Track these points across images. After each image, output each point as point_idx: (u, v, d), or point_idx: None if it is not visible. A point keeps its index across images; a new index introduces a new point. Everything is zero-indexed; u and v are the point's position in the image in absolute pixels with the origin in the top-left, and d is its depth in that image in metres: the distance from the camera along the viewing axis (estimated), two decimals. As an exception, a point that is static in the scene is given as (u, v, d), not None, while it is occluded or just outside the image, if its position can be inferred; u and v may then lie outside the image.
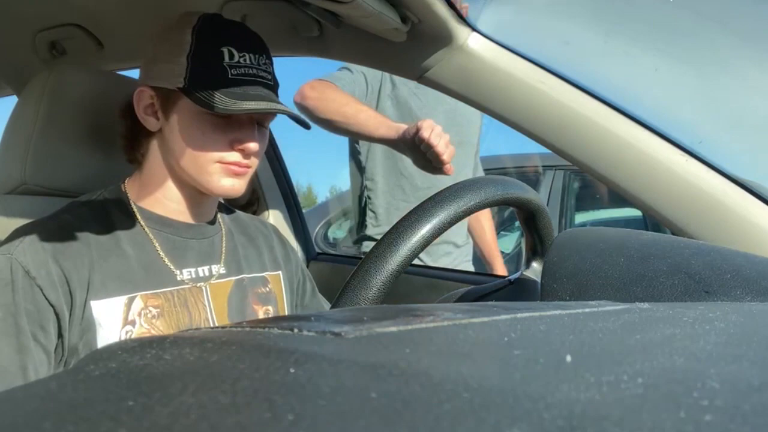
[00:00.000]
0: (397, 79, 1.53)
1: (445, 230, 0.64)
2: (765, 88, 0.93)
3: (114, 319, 0.79)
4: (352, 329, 0.25)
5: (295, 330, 0.26)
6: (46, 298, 0.76)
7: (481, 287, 0.92)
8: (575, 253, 0.53)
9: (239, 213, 1.05)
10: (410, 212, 0.63)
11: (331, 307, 0.63)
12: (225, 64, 0.80)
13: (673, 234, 0.86)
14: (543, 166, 2.85)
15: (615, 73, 1.01)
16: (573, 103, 0.89)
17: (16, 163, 0.90)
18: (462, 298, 0.92)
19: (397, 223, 0.62)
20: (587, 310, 0.34)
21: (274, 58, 0.88)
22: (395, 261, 0.59)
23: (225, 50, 0.80)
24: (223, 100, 0.78)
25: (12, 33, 1.21)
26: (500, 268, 1.79)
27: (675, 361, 0.22)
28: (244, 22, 1.02)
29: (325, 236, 3.08)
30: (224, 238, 0.95)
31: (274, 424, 0.15)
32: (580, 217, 2.95)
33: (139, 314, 0.81)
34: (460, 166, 1.57)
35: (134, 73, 1.26)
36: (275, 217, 1.51)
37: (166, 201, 0.88)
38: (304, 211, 1.73)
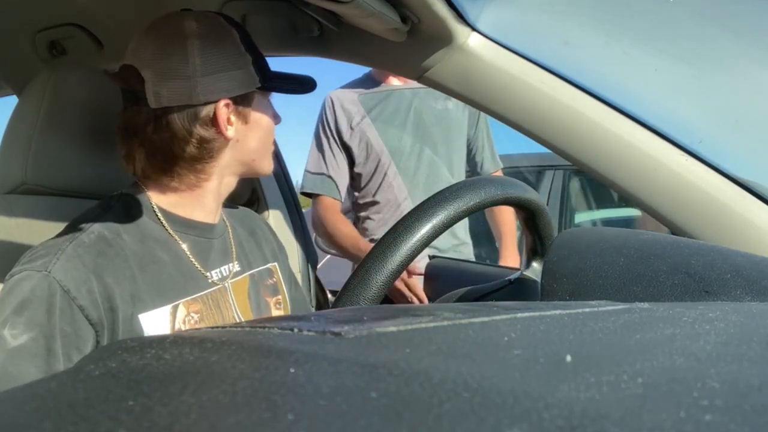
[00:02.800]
0: (353, 114, 1.62)
1: (446, 230, 0.64)
2: (765, 88, 0.93)
3: (162, 330, 0.78)
4: (352, 329, 0.25)
5: (295, 330, 0.26)
6: (87, 318, 0.73)
7: (481, 287, 0.92)
8: (575, 253, 0.53)
9: (230, 206, 1.05)
10: (410, 212, 0.63)
11: (331, 307, 0.63)
12: (262, 55, 0.88)
13: (673, 234, 0.86)
14: (543, 166, 2.85)
15: (615, 72, 1.01)
16: (573, 103, 0.89)
17: (17, 163, 0.90)
18: (462, 298, 0.93)
19: (397, 222, 0.62)
20: (587, 310, 0.34)
21: (274, 58, 0.90)
22: (395, 261, 0.59)
23: (254, 42, 0.88)
24: (288, 83, 0.90)
25: (12, 33, 1.21)
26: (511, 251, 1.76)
27: (675, 360, 0.22)
28: (244, 22, 1.02)
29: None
30: (231, 234, 0.95)
31: (274, 424, 0.15)
32: (580, 217, 2.95)
33: (184, 321, 0.81)
34: (434, 172, 1.63)
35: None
36: (275, 217, 1.51)
37: (194, 203, 0.86)
38: (303, 211, 1.73)
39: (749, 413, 0.16)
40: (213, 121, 0.81)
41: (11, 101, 1.31)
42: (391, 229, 0.62)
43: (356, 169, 1.64)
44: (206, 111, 0.81)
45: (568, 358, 0.21)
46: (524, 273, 0.85)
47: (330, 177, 1.62)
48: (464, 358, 0.22)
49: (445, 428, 0.15)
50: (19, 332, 0.70)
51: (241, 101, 0.84)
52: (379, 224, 1.65)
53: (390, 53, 0.97)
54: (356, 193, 1.69)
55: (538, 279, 0.79)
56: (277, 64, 0.93)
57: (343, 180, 1.64)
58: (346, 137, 1.60)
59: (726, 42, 0.94)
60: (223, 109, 0.81)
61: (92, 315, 0.73)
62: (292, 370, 0.20)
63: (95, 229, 0.78)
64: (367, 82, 1.66)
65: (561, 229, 2.63)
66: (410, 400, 0.17)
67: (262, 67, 0.86)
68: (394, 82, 1.64)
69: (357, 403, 0.17)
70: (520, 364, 0.21)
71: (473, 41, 0.92)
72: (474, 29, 0.92)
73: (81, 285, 0.73)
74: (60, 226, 0.92)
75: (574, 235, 0.59)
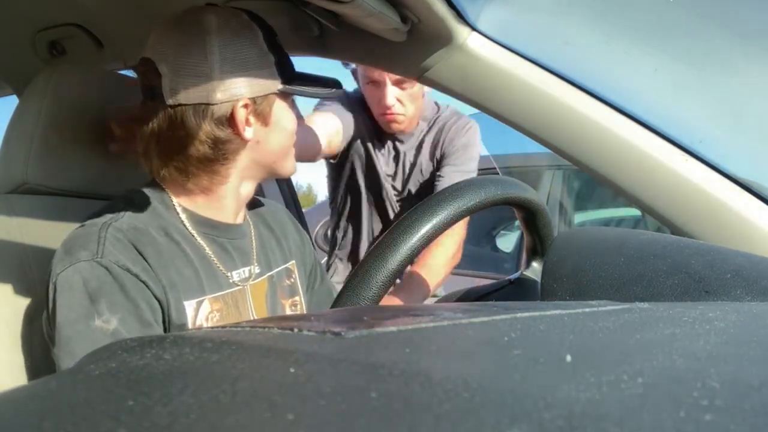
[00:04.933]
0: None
1: (445, 230, 0.64)
2: (765, 88, 0.93)
3: (185, 323, 0.78)
4: (352, 329, 0.25)
5: (295, 330, 0.26)
6: (153, 293, 0.73)
7: (481, 287, 0.92)
8: (575, 253, 0.53)
9: (255, 200, 1.00)
10: (410, 212, 0.63)
11: (331, 307, 0.63)
12: (287, 55, 0.86)
13: (672, 234, 0.86)
14: (543, 166, 2.85)
15: (615, 72, 1.01)
16: (573, 102, 0.89)
17: (18, 163, 0.90)
18: (462, 298, 0.93)
19: (397, 222, 0.62)
20: (587, 309, 0.34)
21: None
22: (395, 260, 0.59)
23: (278, 41, 0.85)
24: (311, 85, 0.87)
25: (12, 33, 1.21)
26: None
27: (675, 360, 0.22)
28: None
29: (325, 236, 3.08)
30: (253, 235, 0.93)
31: (274, 424, 0.15)
32: (580, 217, 2.94)
33: (206, 318, 0.80)
34: None
35: (133, 73, 1.26)
36: (275, 217, 1.51)
37: (212, 204, 0.85)
38: (303, 210, 1.73)
39: (749, 413, 0.16)
40: (230, 122, 0.79)
41: (11, 101, 1.31)
42: (392, 228, 0.62)
43: (337, 184, 1.56)
44: (223, 110, 0.78)
45: (568, 358, 0.21)
46: (524, 273, 0.85)
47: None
48: (464, 358, 0.22)
49: (445, 428, 0.15)
50: (108, 317, 0.70)
51: (262, 102, 0.81)
52: (345, 254, 1.59)
53: (390, 53, 0.97)
54: (330, 205, 1.62)
55: (538, 279, 0.79)
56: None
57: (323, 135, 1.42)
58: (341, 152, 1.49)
59: (726, 42, 0.94)
60: (242, 109, 0.79)
61: (155, 290, 0.74)
62: (292, 370, 0.20)
63: (125, 220, 0.77)
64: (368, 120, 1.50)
65: (561, 229, 2.63)
66: (410, 400, 0.17)
67: (285, 68, 0.83)
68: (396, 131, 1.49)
69: (357, 403, 0.17)
70: (520, 364, 0.21)
71: (473, 41, 0.92)
72: (474, 29, 0.92)
73: (136, 263, 0.73)
74: (61, 226, 0.92)
75: (574, 235, 0.59)
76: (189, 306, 0.78)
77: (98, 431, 0.15)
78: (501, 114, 0.94)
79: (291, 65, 0.85)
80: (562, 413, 0.16)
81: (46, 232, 0.90)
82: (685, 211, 0.84)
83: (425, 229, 0.61)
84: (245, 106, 0.79)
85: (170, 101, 0.77)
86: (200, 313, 0.79)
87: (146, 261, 0.74)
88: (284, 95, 0.84)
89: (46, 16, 1.16)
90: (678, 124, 0.90)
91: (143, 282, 0.73)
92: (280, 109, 0.84)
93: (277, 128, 0.84)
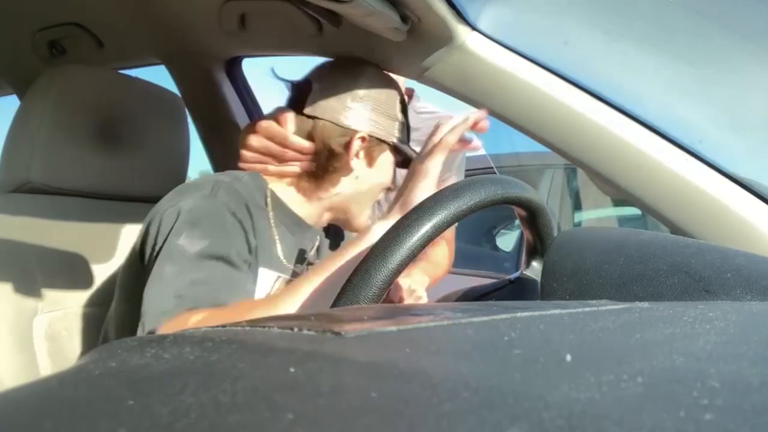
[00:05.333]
0: None
1: (445, 229, 0.64)
2: (765, 88, 0.93)
3: (262, 291, 0.84)
4: (352, 329, 0.25)
5: (295, 329, 0.26)
6: (248, 243, 0.80)
7: (481, 286, 0.92)
8: (575, 253, 0.53)
9: None
10: (410, 211, 0.63)
11: (331, 306, 0.63)
12: (409, 126, 0.99)
13: (672, 233, 0.86)
14: (543, 166, 2.85)
15: (615, 72, 1.00)
16: (573, 102, 0.89)
17: (21, 162, 0.90)
18: (462, 298, 0.93)
19: (397, 222, 0.62)
20: (587, 309, 0.34)
21: (272, 58, 0.93)
22: (396, 260, 0.59)
23: (408, 113, 0.99)
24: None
25: (12, 32, 1.21)
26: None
27: (675, 360, 0.22)
28: (243, 22, 1.02)
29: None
30: (319, 240, 1.01)
31: (274, 424, 0.15)
32: (580, 217, 2.94)
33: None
34: None
35: (133, 72, 1.26)
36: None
37: (301, 206, 0.94)
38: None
39: (749, 413, 0.16)
40: (346, 146, 0.90)
41: (10, 101, 1.31)
42: (392, 228, 0.62)
43: None
44: (345, 135, 0.90)
45: (568, 357, 0.21)
46: (524, 273, 0.85)
47: None
48: (464, 357, 0.22)
49: (445, 428, 0.15)
50: (197, 240, 0.74)
51: (376, 144, 0.92)
52: None
53: (390, 53, 0.97)
54: None
55: (538, 279, 0.79)
56: (276, 63, 0.94)
57: None
58: None
59: (726, 41, 0.94)
60: (358, 140, 0.90)
61: (251, 241, 0.81)
62: (292, 370, 0.20)
63: (234, 184, 0.85)
64: None
65: (561, 228, 2.63)
66: (410, 400, 0.17)
67: (404, 132, 0.96)
68: None
69: (357, 403, 0.17)
70: (520, 363, 0.21)
71: (473, 40, 0.92)
72: (474, 28, 0.92)
73: (243, 211, 0.81)
74: (63, 225, 0.92)
75: (574, 234, 0.59)
76: (266, 274, 0.85)
77: (98, 431, 0.15)
78: (501, 113, 0.94)
79: (408, 133, 0.98)
80: (562, 413, 0.16)
81: (48, 231, 0.90)
82: (685, 211, 0.84)
83: (425, 228, 0.61)
84: (362, 139, 0.90)
85: (308, 110, 0.90)
86: (275, 288, 0.86)
87: (250, 215, 0.82)
88: (395, 151, 0.95)
89: (46, 15, 1.16)
90: (678, 124, 0.90)
91: (244, 230, 0.79)
92: (385, 158, 0.95)
93: (376, 172, 0.94)
